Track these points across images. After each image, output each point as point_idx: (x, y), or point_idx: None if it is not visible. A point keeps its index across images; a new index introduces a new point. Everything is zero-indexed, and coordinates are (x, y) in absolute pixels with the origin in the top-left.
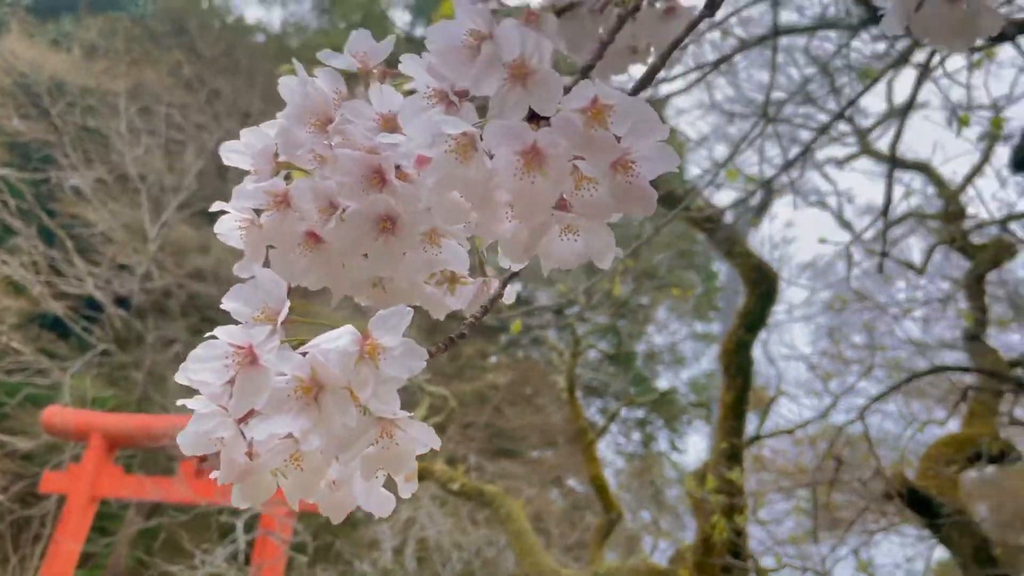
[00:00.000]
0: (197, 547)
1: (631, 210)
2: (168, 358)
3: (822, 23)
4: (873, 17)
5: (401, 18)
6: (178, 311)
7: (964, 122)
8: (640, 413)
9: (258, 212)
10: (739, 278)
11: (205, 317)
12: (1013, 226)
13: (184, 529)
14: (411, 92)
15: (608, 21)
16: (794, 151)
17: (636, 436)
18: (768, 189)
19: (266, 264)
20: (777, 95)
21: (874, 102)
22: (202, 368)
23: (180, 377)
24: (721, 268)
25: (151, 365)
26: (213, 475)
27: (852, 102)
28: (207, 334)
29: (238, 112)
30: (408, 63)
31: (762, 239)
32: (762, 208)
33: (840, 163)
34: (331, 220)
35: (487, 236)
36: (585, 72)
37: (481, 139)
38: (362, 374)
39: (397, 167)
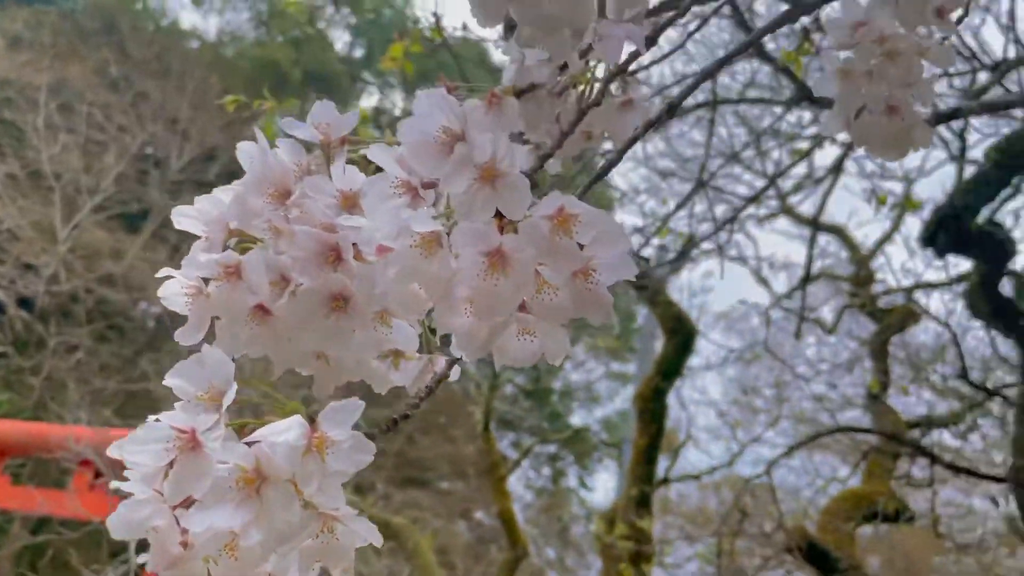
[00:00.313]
0: (86, 566)
1: (588, 315)
2: (69, 365)
3: (757, 98)
4: (805, 95)
5: (340, 38)
6: (84, 316)
7: (882, 201)
8: (552, 448)
9: (206, 280)
10: (657, 321)
11: (112, 325)
12: (917, 294)
13: (73, 546)
14: (366, 158)
15: (566, 103)
16: (720, 207)
17: (546, 471)
18: (692, 248)
19: (210, 332)
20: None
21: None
22: (140, 450)
23: (114, 451)
24: (639, 310)
25: (50, 371)
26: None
27: (781, 173)
28: (152, 417)
29: (164, 117)
30: (376, 152)
31: (681, 286)
32: (679, 265)
33: (761, 220)
34: (283, 295)
35: (443, 328)
36: (543, 160)
37: (448, 235)
38: (308, 468)
39: (354, 245)
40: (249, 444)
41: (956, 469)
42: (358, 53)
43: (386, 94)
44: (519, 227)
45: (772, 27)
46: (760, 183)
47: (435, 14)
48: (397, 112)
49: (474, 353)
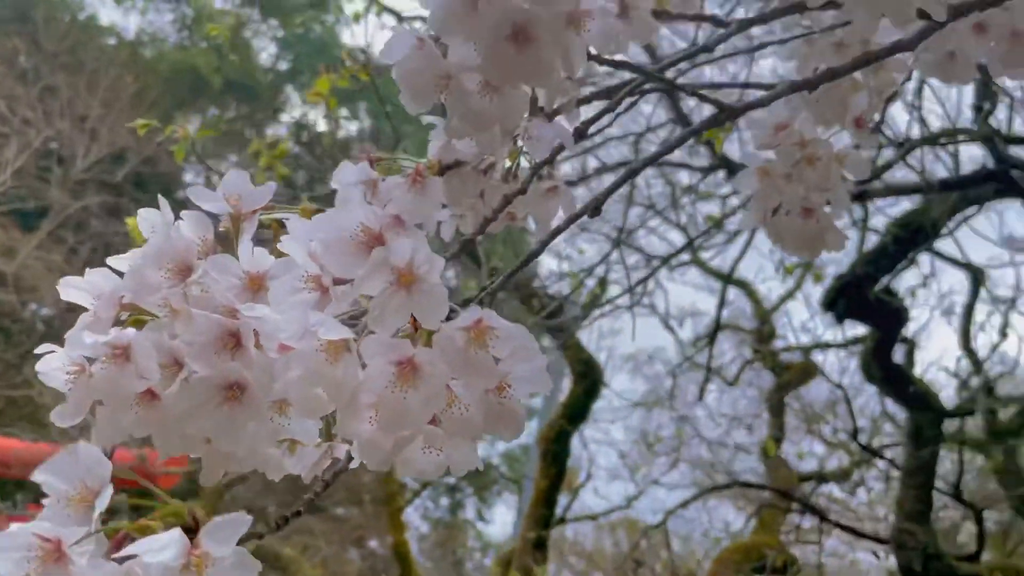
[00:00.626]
0: None
1: (499, 431)
2: None
3: (678, 162)
4: (722, 165)
5: (267, 49)
6: None
7: (789, 271)
8: (451, 479)
9: (91, 360)
10: (566, 363)
11: None
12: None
13: None
14: (281, 225)
15: (491, 179)
16: (634, 256)
17: (444, 501)
18: (606, 304)
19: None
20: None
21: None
22: None
23: None
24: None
25: None
26: None
27: (697, 237)
28: (14, 525)
29: (73, 114)
30: (289, 243)
31: (592, 328)
32: (592, 317)
33: (671, 269)
34: (174, 382)
35: (345, 435)
36: (465, 247)
37: (359, 335)
38: None
39: (255, 331)
40: (121, 560)
41: (843, 528)
42: (283, 66)
43: (309, 108)
44: (434, 339)
45: (702, 128)
46: (673, 234)
47: (363, 51)
48: (319, 129)
49: (377, 464)
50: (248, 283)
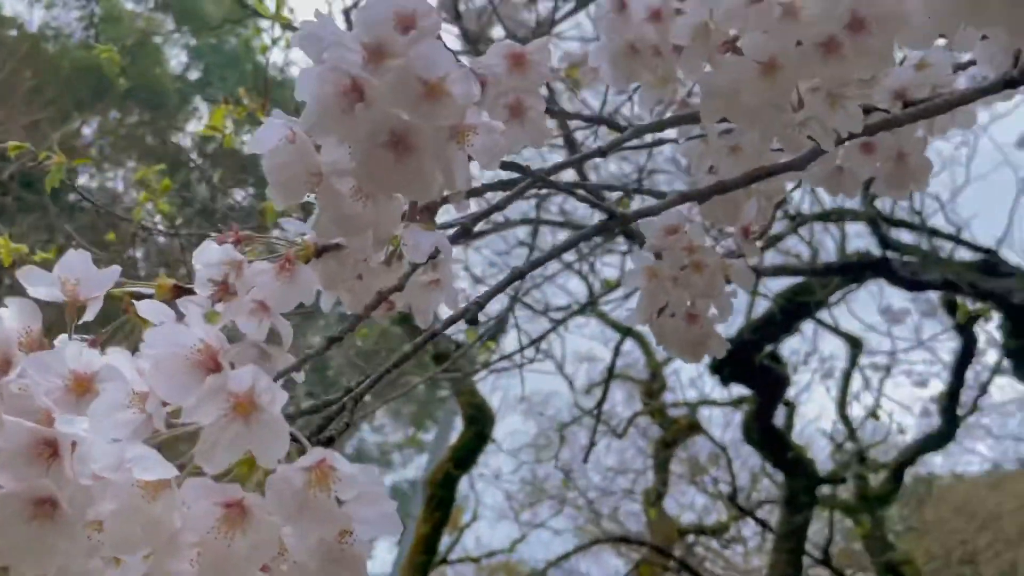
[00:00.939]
0: None
1: None
2: None
3: (579, 224)
4: (623, 231)
5: (177, 56)
6: None
7: None
8: None
9: None
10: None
11: None
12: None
13: None
14: (134, 298)
15: (369, 262)
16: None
17: None
18: (501, 359)
19: None
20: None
21: (608, 271)
22: None
23: None
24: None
25: None
26: None
27: (599, 297)
28: None
29: None
30: (115, 355)
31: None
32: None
33: (566, 319)
34: None
35: None
36: (331, 343)
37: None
38: None
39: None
40: None
41: None
42: (194, 75)
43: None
44: (269, 480)
45: (592, 233)
46: (574, 281)
47: (264, 87)
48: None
49: None
50: (74, 385)
